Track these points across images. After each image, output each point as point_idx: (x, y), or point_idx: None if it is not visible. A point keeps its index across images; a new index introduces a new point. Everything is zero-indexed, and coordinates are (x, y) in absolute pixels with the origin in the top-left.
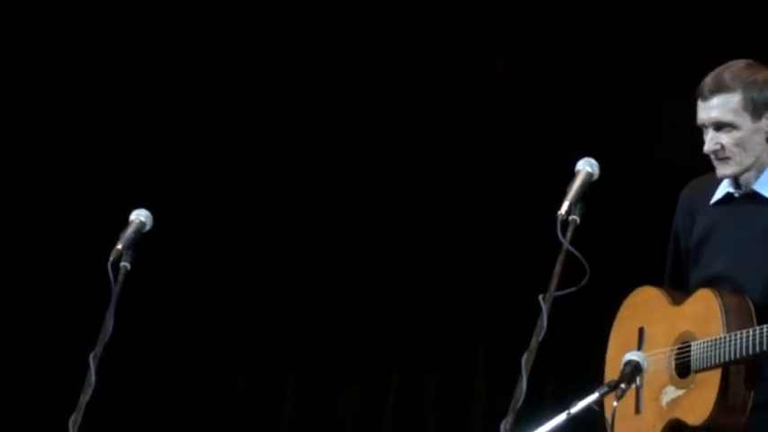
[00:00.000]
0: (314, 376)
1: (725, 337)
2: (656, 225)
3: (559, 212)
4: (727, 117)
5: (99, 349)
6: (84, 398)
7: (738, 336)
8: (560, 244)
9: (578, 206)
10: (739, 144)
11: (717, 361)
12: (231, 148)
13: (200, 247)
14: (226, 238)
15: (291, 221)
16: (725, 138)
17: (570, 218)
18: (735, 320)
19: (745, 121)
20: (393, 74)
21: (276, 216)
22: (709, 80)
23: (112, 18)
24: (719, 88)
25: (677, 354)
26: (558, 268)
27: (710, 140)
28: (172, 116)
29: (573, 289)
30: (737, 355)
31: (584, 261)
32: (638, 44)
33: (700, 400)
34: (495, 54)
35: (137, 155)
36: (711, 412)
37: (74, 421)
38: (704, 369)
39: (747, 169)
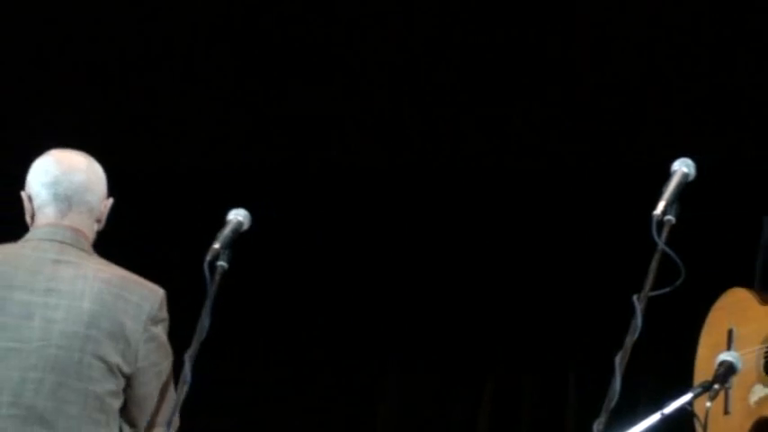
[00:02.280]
0: (411, 377)
1: None
2: (750, 226)
3: (654, 212)
4: None
5: (194, 348)
6: (180, 396)
7: None
8: (654, 244)
9: (674, 206)
10: None
11: None
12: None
13: (303, 245)
14: (328, 235)
15: (395, 218)
16: None
17: (666, 218)
18: None
19: None
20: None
21: (384, 211)
22: None
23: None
24: None
25: (766, 352)
26: (652, 268)
27: None
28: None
29: (667, 289)
30: None
31: (679, 261)
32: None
33: None
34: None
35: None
36: None
37: (168, 421)
38: None
39: None
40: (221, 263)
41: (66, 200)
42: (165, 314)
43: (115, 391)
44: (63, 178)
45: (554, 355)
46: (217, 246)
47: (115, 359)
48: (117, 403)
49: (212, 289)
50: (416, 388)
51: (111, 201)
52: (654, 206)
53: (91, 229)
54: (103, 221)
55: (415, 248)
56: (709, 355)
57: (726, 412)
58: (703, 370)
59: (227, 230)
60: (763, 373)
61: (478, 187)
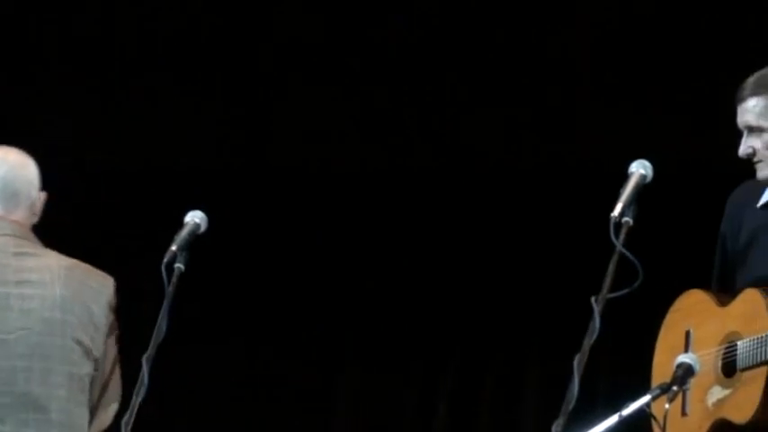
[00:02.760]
0: (368, 374)
1: None
2: (709, 228)
3: (612, 214)
4: (757, 121)
5: (152, 351)
6: (137, 399)
7: None
8: (614, 246)
9: (631, 208)
10: None
11: (763, 358)
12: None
13: (255, 248)
14: (279, 237)
15: (345, 218)
16: (757, 141)
17: (623, 220)
18: None
19: None
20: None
21: (332, 213)
22: (745, 83)
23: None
24: (752, 91)
25: (723, 353)
26: (611, 270)
27: (743, 144)
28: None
29: (626, 291)
30: None
31: (637, 263)
32: (673, 45)
33: (746, 399)
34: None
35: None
36: (757, 410)
37: (126, 422)
38: (750, 367)
39: None
40: (178, 265)
41: (15, 196)
42: (116, 301)
43: (90, 373)
44: (10, 175)
45: (512, 357)
46: (174, 248)
47: (88, 343)
48: (89, 385)
49: (169, 291)
50: (373, 386)
51: (44, 194)
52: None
53: (31, 222)
54: (39, 214)
55: (374, 244)
56: (667, 356)
57: (683, 414)
58: (661, 372)
59: (183, 233)
60: (721, 375)
61: (440, 186)
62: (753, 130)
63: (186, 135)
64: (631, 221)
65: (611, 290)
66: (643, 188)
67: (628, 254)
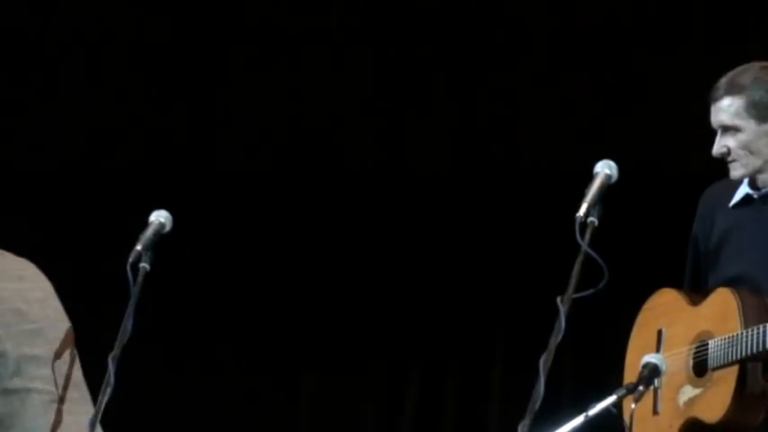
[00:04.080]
0: (332, 377)
1: (742, 333)
2: (677, 227)
3: (578, 214)
4: (732, 120)
5: (118, 350)
6: (103, 399)
7: (755, 330)
8: (579, 246)
9: (597, 208)
10: (745, 147)
11: (734, 357)
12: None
13: (221, 249)
14: (243, 239)
15: (307, 221)
16: (731, 141)
17: (588, 220)
18: (753, 318)
19: (749, 124)
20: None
21: (293, 216)
22: (718, 83)
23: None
24: (726, 91)
25: (695, 353)
26: (576, 270)
27: (717, 143)
28: (198, 117)
29: (591, 291)
30: (755, 351)
31: (602, 263)
32: (661, 43)
33: (716, 398)
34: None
35: (159, 156)
36: (728, 409)
37: (92, 422)
38: (721, 366)
39: (760, 171)
40: (143, 264)
41: None
42: None
43: None
44: None
45: (477, 357)
46: (139, 248)
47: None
48: None
49: (135, 291)
50: (337, 390)
51: None
52: (577, 208)
53: None
54: None
55: (334, 248)
56: (639, 355)
57: (655, 412)
58: (633, 370)
59: (148, 232)
60: (692, 374)
61: (403, 189)
62: (727, 129)
63: (161, 135)
64: (597, 221)
65: (577, 290)
66: (608, 188)
67: (593, 254)
